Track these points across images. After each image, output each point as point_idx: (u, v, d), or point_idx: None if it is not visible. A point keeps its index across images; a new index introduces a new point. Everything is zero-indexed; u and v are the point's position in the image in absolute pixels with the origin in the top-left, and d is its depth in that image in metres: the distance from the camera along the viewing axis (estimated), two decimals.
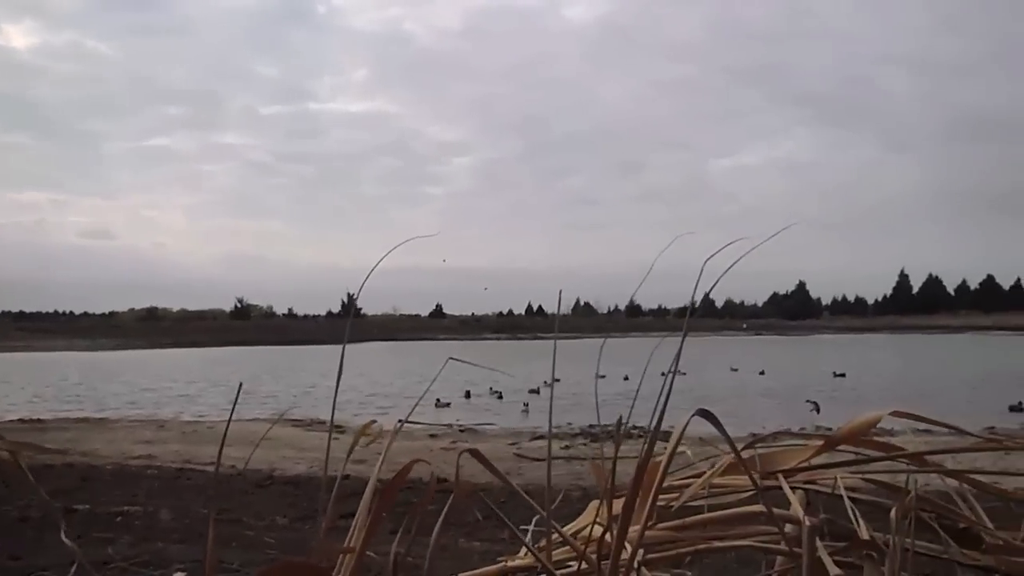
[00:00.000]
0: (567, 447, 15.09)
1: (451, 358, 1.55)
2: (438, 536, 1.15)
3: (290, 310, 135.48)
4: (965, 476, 1.40)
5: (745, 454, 1.64)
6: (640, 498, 1.32)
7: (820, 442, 1.50)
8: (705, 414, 1.20)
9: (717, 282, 1.15)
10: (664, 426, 1.31)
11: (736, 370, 38.15)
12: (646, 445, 1.15)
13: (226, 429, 1.45)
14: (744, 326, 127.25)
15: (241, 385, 2.19)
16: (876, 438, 1.58)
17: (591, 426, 17.27)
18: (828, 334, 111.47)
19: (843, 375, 34.28)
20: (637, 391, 1.18)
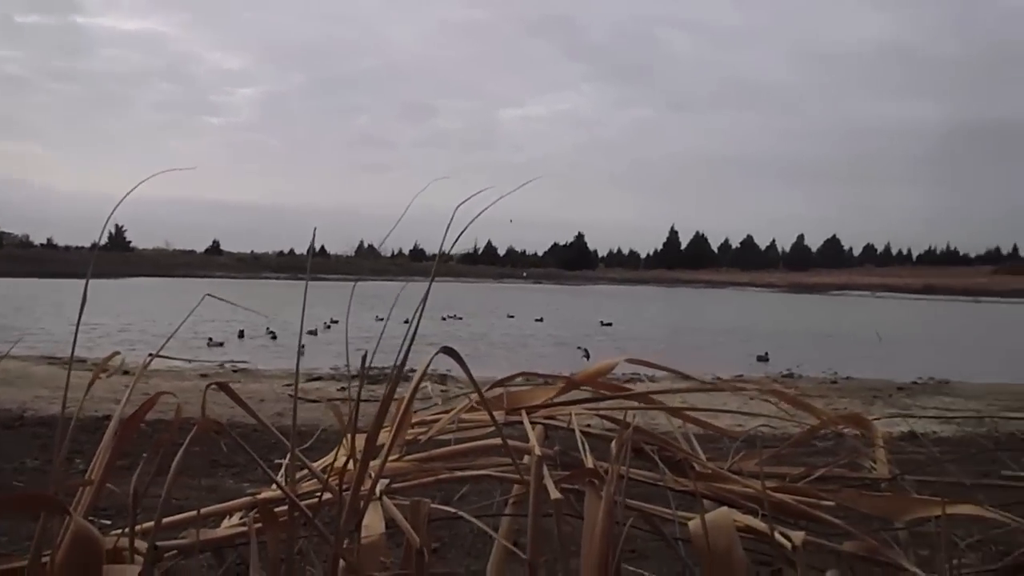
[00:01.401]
0: (343, 388, 15.06)
1: (208, 295, 1.54)
2: (178, 472, 1.16)
3: (49, 240, 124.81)
4: (682, 413, 1.57)
5: (498, 392, 1.75)
6: (389, 432, 1.38)
7: (562, 383, 1.63)
8: (449, 352, 1.27)
9: (465, 229, 1.22)
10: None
11: (513, 317, 39.28)
12: (389, 383, 1.21)
13: None
14: (525, 274, 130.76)
15: None
16: (628, 383, 1.73)
17: (368, 368, 17.28)
18: (603, 284, 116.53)
19: (610, 324, 36.02)
20: (381, 333, 1.23)
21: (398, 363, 1.19)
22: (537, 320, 37.87)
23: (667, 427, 1.73)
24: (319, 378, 16.12)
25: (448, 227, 1.18)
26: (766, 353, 24.83)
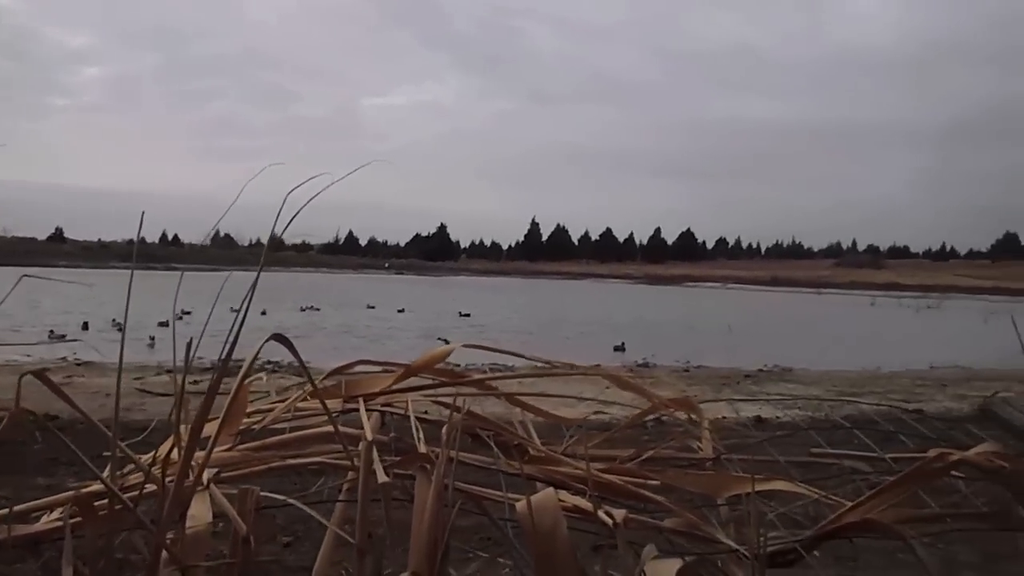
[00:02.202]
0: (196, 382, 14.57)
1: (25, 275, 1.47)
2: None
3: None
4: (516, 399, 1.61)
5: (337, 379, 1.75)
6: (223, 421, 1.37)
7: (401, 371, 1.64)
8: (280, 339, 1.26)
9: (297, 214, 1.21)
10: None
11: (373, 307, 38.94)
12: (215, 373, 1.20)
13: None
14: (387, 265, 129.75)
15: None
16: (486, 372, 1.75)
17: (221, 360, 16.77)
18: (465, 275, 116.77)
19: (468, 315, 36.14)
20: (205, 324, 1.22)
21: (224, 354, 1.18)
22: (399, 311, 37.65)
23: (520, 415, 1.77)
24: (169, 371, 15.56)
25: (278, 215, 1.17)
26: (622, 343, 25.43)
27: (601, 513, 1.27)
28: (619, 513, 1.26)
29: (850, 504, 1.35)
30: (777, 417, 13.42)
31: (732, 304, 56.14)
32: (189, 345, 1.20)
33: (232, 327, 1.19)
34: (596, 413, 1.77)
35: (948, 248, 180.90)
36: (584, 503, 1.29)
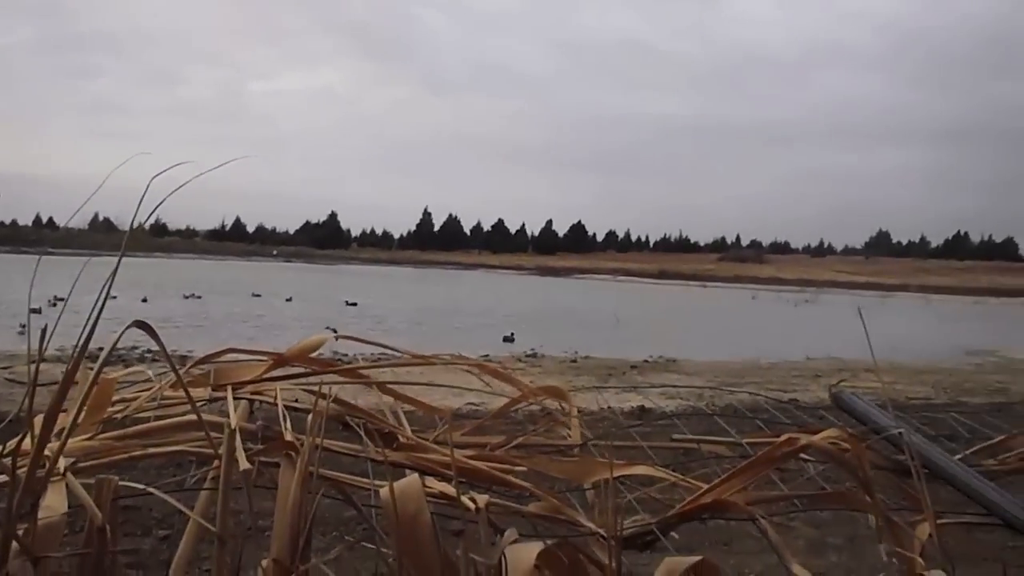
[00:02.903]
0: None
1: None
2: None
3: None
4: (387, 388, 1.63)
5: (207, 368, 1.73)
6: (80, 409, 1.34)
7: (272, 359, 1.64)
8: (142, 326, 1.25)
9: (163, 202, 1.19)
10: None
11: (259, 296, 38.13)
12: (71, 362, 1.18)
13: None
14: (275, 252, 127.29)
15: None
16: (374, 363, 1.76)
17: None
18: (356, 264, 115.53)
19: (355, 304, 35.70)
20: (29, 314, 1.20)
21: (81, 341, 1.16)
22: (288, 300, 37.00)
23: (393, 405, 1.78)
24: (44, 360, 14.94)
25: (141, 200, 1.16)
26: (512, 334, 25.64)
27: (464, 498, 1.30)
28: (481, 498, 1.29)
29: (705, 487, 1.42)
30: (660, 407, 13.78)
31: (620, 296, 57.16)
32: (44, 331, 1.18)
33: (90, 314, 1.17)
34: (469, 404, 1.80)
35: (826, 244, 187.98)
36: (450, 489, 1.31)
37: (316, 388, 1.48)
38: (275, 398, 1.51)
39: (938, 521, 1.31)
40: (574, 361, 20.57)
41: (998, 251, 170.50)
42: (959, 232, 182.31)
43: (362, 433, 1.47)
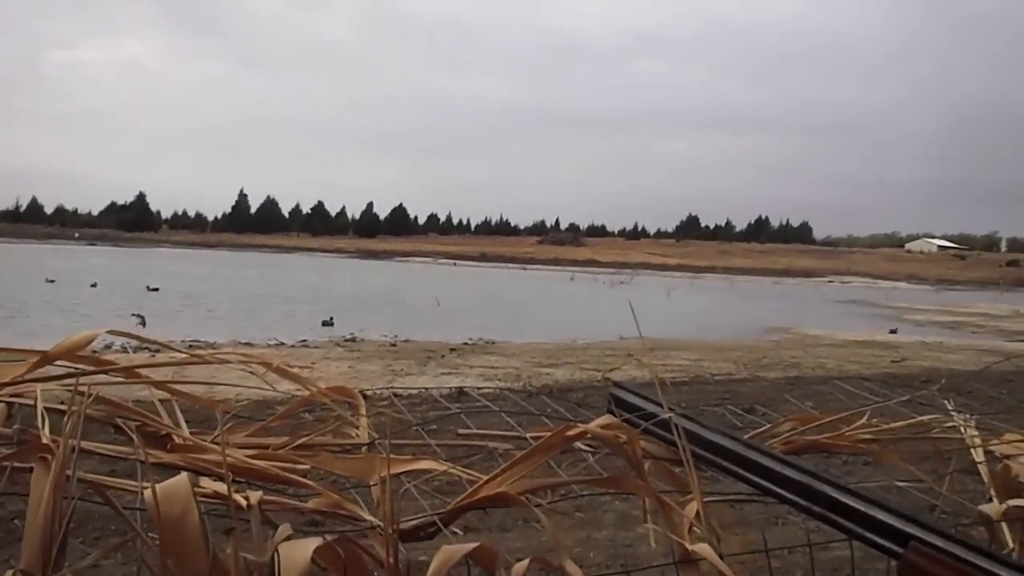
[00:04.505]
0: None
1: None
2: None
3: None
4: (165, 386, 1.57)
5: None
6: None
7: (36, 358, 1.54)
8: None
9: None
10: None
11: (53, 281, 35.65)
12: None
13: None
14: (77, 235, 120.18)
15: None
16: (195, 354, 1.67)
17: None
18: (167, 248, 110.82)
19: (157, 289, 34.06)
20: None
21: None
22: (92, 285, 34.97)
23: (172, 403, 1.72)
24: None
25: None
26: (331, 318, 25.31)
27: (238, 496, 1.27)
28: (254, 495, 1.27)
29: (486, 478, 1.44)
30: (478, 388, 13.97)
31: (442, 279, 57.43)
32: None
33: None
34: (260, 401, 1.77)
35: (640, 228, 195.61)
36: (224, 488, 1.28)
37: (88, 389, 1.41)
38: (35, 399, 1.43)
39: (706, 500, 1.39)
40: (394, 345, 20.54)
41: (795, 235, 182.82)
42: (761, 217, 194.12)
43: (133, 434, 1.41)
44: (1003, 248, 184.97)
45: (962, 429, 1.85)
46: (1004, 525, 1.62)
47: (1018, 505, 1.64)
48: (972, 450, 1.81)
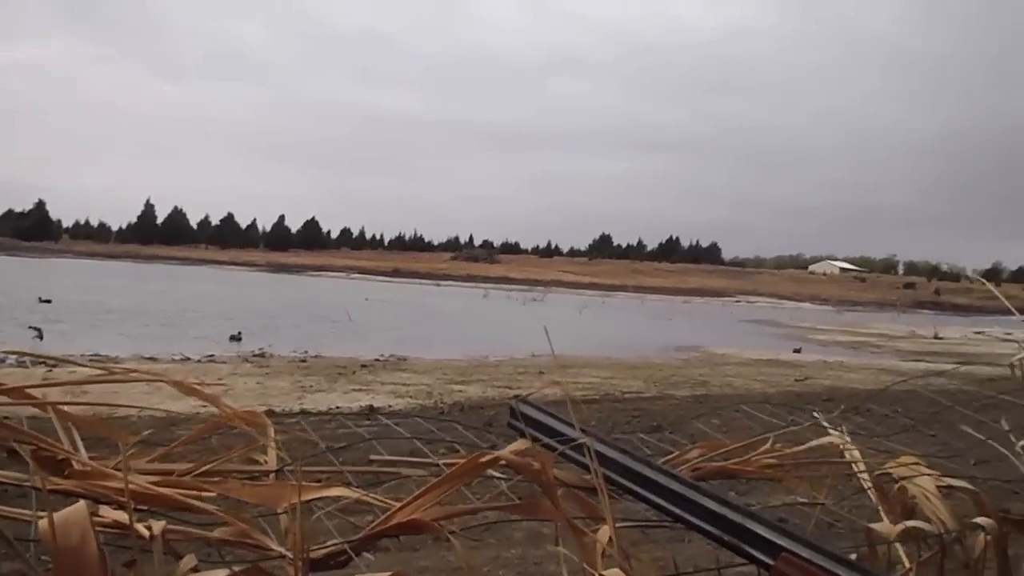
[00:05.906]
0: None
1: None
2: None
3: None
4: (60, 410, 1.51)
5: None
6: None
7: None
8: None
9: None
10: None
11: None
12: None
13: None
14: None
15: None
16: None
17: None
18: (67, 258, 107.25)
19: (49, 301, 32.68)
20: None
21: None
22: None
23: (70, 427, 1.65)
24: None
25: None
26: (239, 332, 24.83)
27: (140, 526, 1.23)
28: (157, 524, 1.23)
29: (398, 505, 1.43)
30: (389, 405, 13.85)
31: (354, 294, 56.87)
32: None
33: None
34: (172, 424, 1.71)
35: (553, 246, 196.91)
36: (125, 517, 1.24)
37: None
38: None
39: (618, 525, 1.40)
40: (304, 361, 20.24)
41: (704, 255, 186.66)
42: (672, 237, 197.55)
43: (28, 459, 1.35)
44: (900, 271, 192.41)
45: (850, 454, 1.92)
46: (899, 546, 1.68)
47: (912, 526, 1.69)
48: (859, 475, 1.87)
